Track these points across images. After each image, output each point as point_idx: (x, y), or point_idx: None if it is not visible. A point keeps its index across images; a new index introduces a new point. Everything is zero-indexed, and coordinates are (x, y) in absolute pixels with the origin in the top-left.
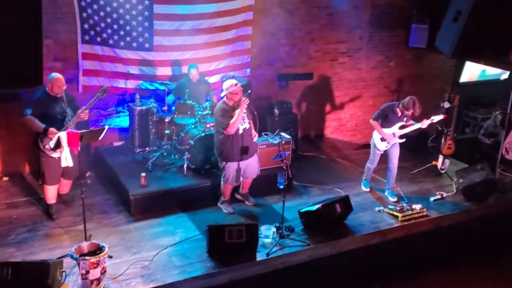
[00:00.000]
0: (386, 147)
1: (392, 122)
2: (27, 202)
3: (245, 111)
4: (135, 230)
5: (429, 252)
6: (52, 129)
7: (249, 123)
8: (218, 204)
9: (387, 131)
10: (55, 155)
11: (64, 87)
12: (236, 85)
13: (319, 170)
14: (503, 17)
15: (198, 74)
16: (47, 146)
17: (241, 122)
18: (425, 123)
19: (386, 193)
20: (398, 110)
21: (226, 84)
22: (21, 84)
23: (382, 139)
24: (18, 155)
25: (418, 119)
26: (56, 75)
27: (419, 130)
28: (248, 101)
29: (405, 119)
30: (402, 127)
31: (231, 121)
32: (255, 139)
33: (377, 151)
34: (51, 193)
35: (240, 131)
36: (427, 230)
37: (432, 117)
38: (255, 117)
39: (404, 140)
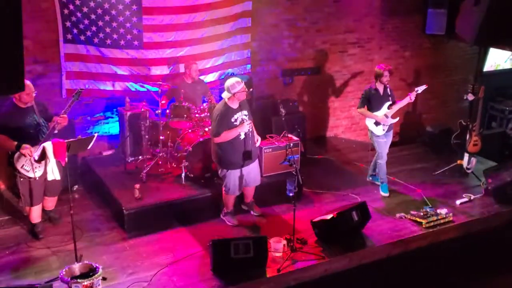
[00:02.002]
0: (384, 130)
1: (379, 103)
2: (8, 221)
3: (246, 112)
4: (130, 248)
5: (458, 261)
6: (25, 145)
7: (249, 124)
8: (221, 216)
9: (378, 113)
10: (33, 174)
11: (34, 94)
12: (242, 82)
13: (332, 175)
14: None
15: (197, 72)
16: (25, 167)
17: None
18: (412, 96)
19: (369, 178)
20: (378, 87)
21: (230, 82)
22: (0, 90)
23: (377, 123)
24: None
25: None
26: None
27: (441, 126)
28: (252, 126)
29: (390, 98)
30: (391, 106)
31: (227, 134)
32: (258, 143)
33: (379, 140)
34: (35, 212)
35: (242, 136)
36: (455, 237)
37: (416, 88)
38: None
39: (397, 119)
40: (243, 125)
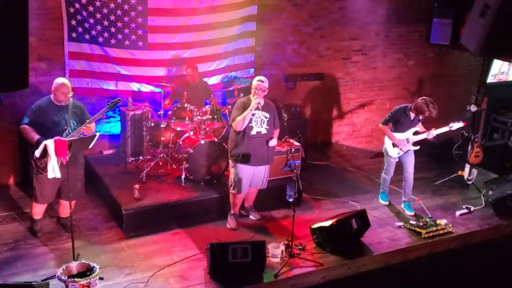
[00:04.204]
0: (398, 154)
1: (405, 126)
2: (8, 217)
3: (267, 115)
4: (128, 249)
5: (456, 273)
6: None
7: (267, 129)
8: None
9: (400, 136)
10: (47, 171)
11: (70, 94)
12: (263, 80)
13: (332, 181)
14: None
15: (196, 75)
16: (43, 164)
17: (256, 123)
18: (439, 131)
19: (402, 206)
20: (410, 113)
21: (255, 80)
22: (4, 87)
23: (394, 145)
24: None
25: (437, 123)
26: (60, 80)
27: (443, 136)
28: (259, 101)
29: (419, 123)
30: (416, 133)
31: (239, 117)
32: (271, 143)
33: (391, 160)
34: (38, 209)
35: (253, 133)
36: (454, 248)
37: (451, 124)
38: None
39: (418, 147)
40: (255, 104)
